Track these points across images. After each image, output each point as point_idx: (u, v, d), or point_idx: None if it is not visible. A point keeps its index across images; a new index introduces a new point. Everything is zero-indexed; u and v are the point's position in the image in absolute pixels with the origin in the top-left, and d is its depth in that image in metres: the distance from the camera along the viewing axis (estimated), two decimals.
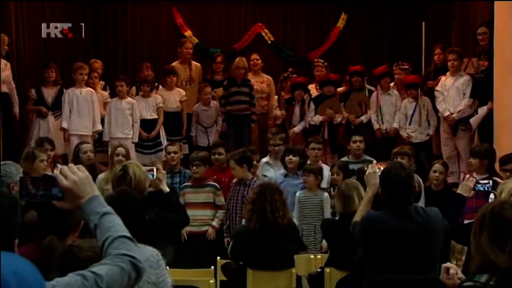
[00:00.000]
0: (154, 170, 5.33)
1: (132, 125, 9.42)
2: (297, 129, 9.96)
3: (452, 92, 9.25)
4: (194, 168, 7.71)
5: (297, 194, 7.55)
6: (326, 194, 7.49)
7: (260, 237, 5.58)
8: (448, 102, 9.27)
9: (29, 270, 1.98)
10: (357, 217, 4.88)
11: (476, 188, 5.32)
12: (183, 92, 9.98)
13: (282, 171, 8.07)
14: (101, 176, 7.40)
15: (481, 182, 5.42)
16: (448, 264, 3.22)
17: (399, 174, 4.59)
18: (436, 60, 9.92)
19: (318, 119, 9.91)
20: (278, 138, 8.56)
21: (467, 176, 5.51)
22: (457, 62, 9.22)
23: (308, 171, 7.56)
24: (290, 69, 10.82)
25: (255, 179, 7.53)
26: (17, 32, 9.92)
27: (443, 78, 9.41)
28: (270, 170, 8.32)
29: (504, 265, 2.73)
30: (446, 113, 9.26)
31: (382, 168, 4.94)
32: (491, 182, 5.40)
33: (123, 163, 5.24)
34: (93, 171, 7.27)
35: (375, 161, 5.41)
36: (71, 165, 2.46)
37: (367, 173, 5.09)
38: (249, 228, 5.65)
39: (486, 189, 5.40)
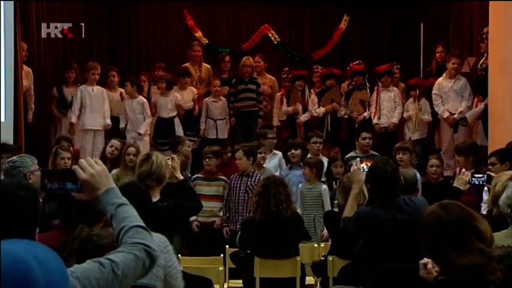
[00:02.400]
0: (170, 159, 5.46)
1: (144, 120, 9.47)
2: (303, 118, 9.98)
3: (451, 95, 9.26)
4: (207, 160, 7.72)
5: (299, 186, 7.56)
6: (324, 186, 7.49)
7: (265, 228, 5.59)
8: (446, 104, 9.28)
9: (52, 257, 1.98)
10: (346, 213, 4.89)
11: (471, 182, 5.31)
12: (195, 90, 10.01)
13: (275, 160, 8.17)
14: (114, 171, 7.43)
15: (476, 175, 5.42)
16: (424, 260, 3.19)
17: (386, 169, 4.61)
18: (438, 58, 9.89)
19: (321, 110, 9.92)
20: (269, 133, 8.58)
21: (463, 170, 5.50)
22: (459, 66, 9.24)
23: (306, 164, 7.57)
24: (285, 69, 10.81)
25: (257, 171, 7.53)
26: (38, 32, 9.93)
27: (438, 80, 9.39)
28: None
29: (475, 262, 2.67)
30: (446, 114, 9.27)
31: (368, 164, 4.96)
32: (485, 176, 5.39)
33: (147, 152, 5.38)
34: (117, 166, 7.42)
35: (358, 159, 5.40)
36: (89, 158, 2.48)
37: (352, 170, 5.10)
38: (255, 220, 5.66)
39: (481, 183, 5.40)
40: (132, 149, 7.66)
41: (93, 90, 9.42)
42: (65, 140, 8.16)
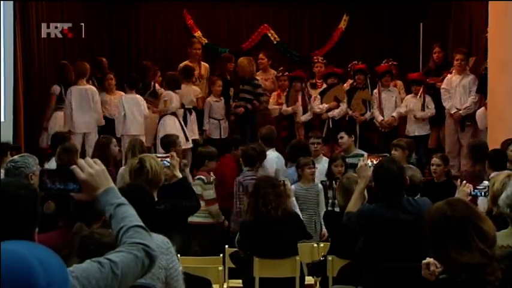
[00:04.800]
0: (170, 157, 5.46)
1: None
2: (304, 118, 10.00)
3: (458, 90, 9.32)
4: (210, 162, 7.63)
5: (292, 187, 7.45)
6: (320, 185, 7.49)
7: (256, 228, 5.60)
8: (454, 99, 9.31)
9: (53, 258, 1.98)
10: (350, 208, 4.89)
11: (473, 193, 5.26)
12: (198, 89, 10.05)
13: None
14: (121, 169, 7.45)
15: (478, 187, 5.37)
16: (427, 260, 3.19)
17: (391, 168, 4.60)
18: (436, 58, 9.91)
19: (324, 106, 9.98)
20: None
21: (464, 181, 5.48)
22: (464, 62, 9.30)
23: (303, 165, 7.55)
24: (280, 68, 10.83)
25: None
26: (38, 32, 9.94)
27: (448, 76, 9.43)
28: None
29: (475, 261, 2.68)
30: (453, 110, 9.31)
31: (374, 161, 4.95)
32: (487, 188, 5.35)
33: (140, 156, 5.28)
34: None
35: (366, 154, 5.39)
36: (88, 158, 2.47)
37: (359, 165, 5.10)
38: (246, 221, 5.68)
39: (482, 194, 5.33)
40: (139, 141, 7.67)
41: (82, 91, 9.38)
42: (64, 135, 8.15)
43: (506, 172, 4.84)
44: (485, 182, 5.96)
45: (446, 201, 2.88)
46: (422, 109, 9.63)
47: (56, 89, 9.62)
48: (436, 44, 10.04)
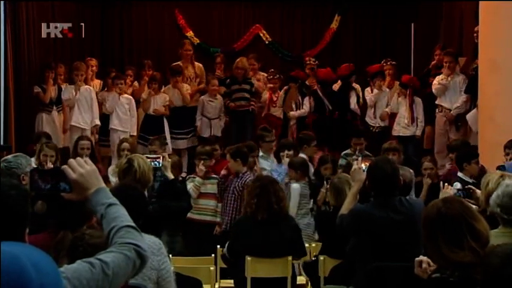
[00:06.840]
0: (161, 158, 5.43)
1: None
2: (297, 113, 10.11)
3: (450, 90, 9.33)
4: (202, 162, 7.54)
5: (297, 185, 7.45)
6: (295, 184, 7.52)
7: (265, 227, 5.53)
8: (446, 98, 9.32)
9: (45, 259, 1.97)
10: (344, 210, 4.90)
11: (457, 195, 5.31)
12: (187, 86, 10.10)
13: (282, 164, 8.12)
14: (110, 168, 7.46)
15: (460, 188, 5.45)
16: (420, 258, 3.20)
17: (385, 168, 4.62)
18: (437, 60, 9.94)
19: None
20: (267, 136, 8.57)
21: (446, 184, 5.52)
22: (452, 64, 9.33)
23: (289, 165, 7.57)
24: (271, 70, 10.82)
25: (248, 172, 7.48)
26: (28, 32, 9.89)
27: (438, 77, 9.45)
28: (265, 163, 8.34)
29: (466, 260, 2.69)
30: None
31: (368, 164, 4.97)
32: (465, 190, 5.40)
33: (128, 156, 5.26)
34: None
35: (360, 158, 5.40)
36: (78, 158, 2.45)
37: (352, 169, 5.11)
38: (253, 219, 5.55)
39: (462, 195, 5.40)
40: (126, 145, 7.65)
41: (79, 90, 9.45)
42: (45, 136, 8.14)
43: (499, 172, 4.85)
44: (458, 184, 6.06)
45: (443, 198, 2.93)
46: (411, 110, 9.64)
47: (39, 91, 9.64)
48: (438, 45, 10.09)
